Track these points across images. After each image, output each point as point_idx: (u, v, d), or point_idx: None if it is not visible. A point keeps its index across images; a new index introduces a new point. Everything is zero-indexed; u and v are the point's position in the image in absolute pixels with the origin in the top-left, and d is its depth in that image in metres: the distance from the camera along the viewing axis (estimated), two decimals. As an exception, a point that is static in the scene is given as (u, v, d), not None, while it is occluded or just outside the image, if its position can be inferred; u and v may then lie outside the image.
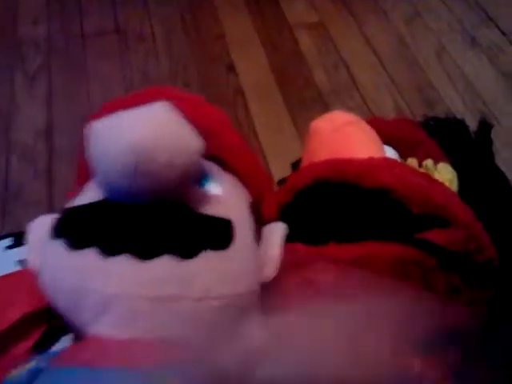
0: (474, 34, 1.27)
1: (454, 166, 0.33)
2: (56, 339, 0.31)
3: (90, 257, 0.26)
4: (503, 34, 1.25)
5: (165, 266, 0.26)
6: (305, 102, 1.15)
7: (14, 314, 0.26)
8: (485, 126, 0.35)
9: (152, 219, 0.27)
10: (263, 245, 0.30)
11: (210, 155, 0.32)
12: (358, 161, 0.29)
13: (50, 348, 0.31)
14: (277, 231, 0.31)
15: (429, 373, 0.23)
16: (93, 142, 0.26)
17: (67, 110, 1.11)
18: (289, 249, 0.29)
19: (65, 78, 1.15)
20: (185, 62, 1.20)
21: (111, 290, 0.25)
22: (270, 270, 0.29)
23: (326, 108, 1.14)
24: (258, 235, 0.31)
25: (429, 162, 0.32)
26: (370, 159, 0.29)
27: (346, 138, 0.31)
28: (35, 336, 0.30)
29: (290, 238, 0.30)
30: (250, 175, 0.33)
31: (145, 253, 0.26)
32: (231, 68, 1.21)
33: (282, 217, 0.32)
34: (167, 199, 0.27)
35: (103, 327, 0.26)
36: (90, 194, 0.29)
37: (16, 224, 0.88)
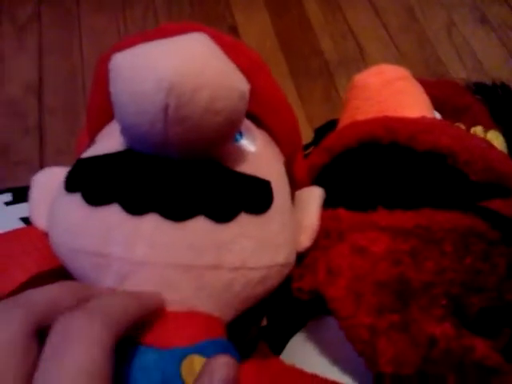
0: (485, 10, 1.24)
1: (505, 135, 0.30)
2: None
3: (112, 215, 0.22)
4: (514, 11, 1.22)
5: (200, 229, 0.22)
6: (310, 71, 1.11)
7: (21, 276, 0.22)
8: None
9: (184, 175, 0.22)
10: (298, 211, 0.27)
11: None
12: (411, 119, 0.26)
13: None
14: (314, 196, 0.27)
15: (490, 353, 0.21)
16: (112, 78, 0.21)
17: (59, 64, 1.05)
18: (329, 215, 0.26)
19: (57, 30, 1.09)
20: (185, 20, 1.15)
21: (137, 256, 0.21)
22: (306, 240, 0.26)
23: (331, 79, 1.11)
24: (292, 200, 0.28)
25: (478, 129, 0.29)
26: (424, 118, 0.26)
27: (396, 93, 0.27)
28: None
29: (328, 204, 0.27)
30: (284, 131, 0.29)
31: (176, 213, 0.22)
32: (234, 30, 1.16)
33: (316, 181, 0.29)
34: (205, 153, 0.23)
35: None
36: (109, 143, 0.25)
37: (3, 183, 0.84)
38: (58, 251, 0.23)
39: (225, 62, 0.22)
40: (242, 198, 0.23)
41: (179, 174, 0.22)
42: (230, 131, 0.22)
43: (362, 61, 1.13)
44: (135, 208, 0.22)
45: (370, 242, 0.23)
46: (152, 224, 0.21)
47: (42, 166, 0.86)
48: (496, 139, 0.29)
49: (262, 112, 0.28)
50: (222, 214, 0.22)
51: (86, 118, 0.30)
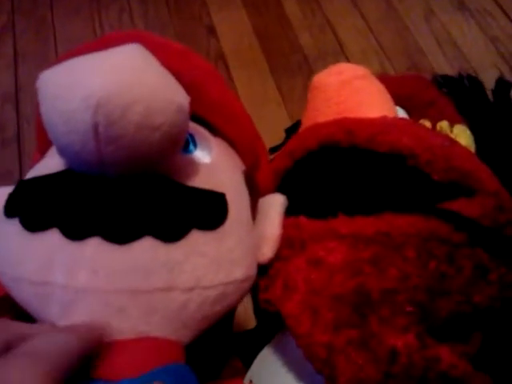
0: (463, -3, 1.24)
1: (471, 128, 0.29)
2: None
3: (52, 241, 0.21)
4: (492, -3, 1.22)
5: (147, 250, 0.20)
6: (290, 67, 1.10)
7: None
8: (503, 84, 0.31)
9: (127, 193, 0.21)
10: (260, 220, 0.26)
11: (194, 117, 0.27)
12: (370, 120, 0.25)
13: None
14: (275, 204, 0.26)
15: (457, 362, 0.20)
16: (41, 97, 0.20)
17: (35, 73, 1.03)
18: (291, 224, 0.25)
19: (31, 39, 1.08)
20: (162, 23, 1.14)
21: (80, 283, 0.20)
22: (268, 251, 0.25)
23: (311, 73, 1.10)
24: (254, 208, 0.27)
25: (444, 124, 0.28)
26: (384, 118, 0.25)
27: (354, 93, 0.26)
28: None
29: (290, 211, 0.26)
30: (242, 139, 0.27)
31: (119, 235, 0.20)
32: (212, 30, 1.15)
33: (279, 187, 0.28)
34: (146, 170, 0.21)
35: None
36: (50, 163, 0.23)
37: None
38: (1, 280, 0.22)
39: (161, 74, 0.20)
40: (193, 214, 0.22)
41: (122, 192, 0.21)
42: (170, 146, 0.21)
43: (342, 54, 1.12)
44: (76, 232, 0.20)
45: (328, 252, 0.22)
46: (94, 248, 0.20)
47: (22, 178, 0.85)
48: (462, 133, 0.28)
49: (217, 121, 0.27)
50: (171, 233, 0.21)
51: (36, 134, 0.29)
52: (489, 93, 0.37)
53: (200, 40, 1.10)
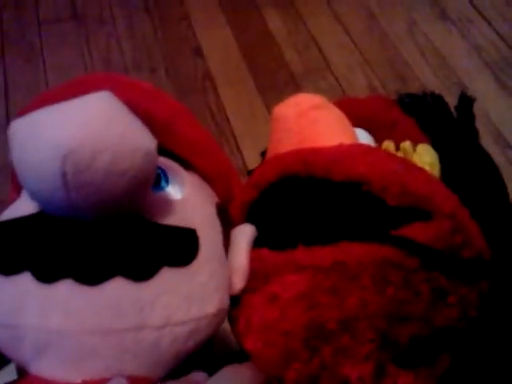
0: (444, 6, 1.26)
1: (435, 146, 0.30)
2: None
3: (23, 284, 0.21)
4: (472, 5, 1.24)
5: (118, 291, 0.21)
6: (277, 84, 1.12)
7: None
8: (466, 101, 0.32)
9: (98, 234, 0.22)
10: (230, 251, 0.27)
11: (167, 152, 0.28)
12: (326, 150, 0.25)
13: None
14: (243, 235, 0.27)
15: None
16: (11, 146, 0.21)
17: (26, 101, 1.05)
18: (254, 256, 0.26)
19: (22, 69, 1.09)
20: (149, 46, 1.15)
21: (53, 326, 0.21)
22: (239, 282, 0.26)
23: (298, 90, 1.11)
24: (228, 240, 0.27)
25: (406, 144, 0.29)
26: (340, 147, 0.26)
27: (312, 124, 0.27)
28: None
29: (257, 243, 0.26)
30: (214, 172, 0.29)
31: (90, 276, 0.21)
32: (198, 51, 1.17)
33: (247, 218, 0.29)
34: (116, 212, 0.22)
35: (47, 367, 0.22)
36: (23, 205, 0.24)
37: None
38: None
39: (128, 121, 0.21)
40: (163, 252, 0.23)
41: (93, 234, 0.22)
42: (138, 190, 0.22)
43: (328, 69, 1.13)
44: (47, 275, 0.21)
45: (284, 287, 0.23)
46: (66, 291, 0.21)
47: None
48: (426, 152, 0.29)
49: (189, 156, 0.28)
50: (141, 272, 0.22)
51: (11, 173, 0.30)
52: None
53: (187, 60, 1.12)
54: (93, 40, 1.13)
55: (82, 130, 0.19)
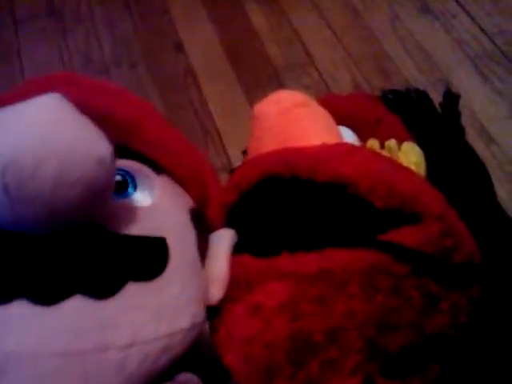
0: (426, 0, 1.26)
1: (420, 144, 0.29)
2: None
3: None
4: (454, -2, 1.24)
5: (77, 310, 0.20)
6: (260, 80, 1.10)
7: None
8: (451, 97, 0.31)
9: (54, 248, 0.20)
10: (208, 259, 0.25)
11: (136, 154, 0.26)
12: (309, 150, 0.24)
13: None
14: (223, 240, 0.26)
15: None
16: None
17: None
18: (236, 263, 0.24)
19: (-2, 69, 1.06)
20: (129, 41, 1.13)
21: (7, 348, 0.19)
22: (217, 292, 0.24)
23: (281, 86, 1.10)
24: (205, 247, 0.26)
25: (392, 143, 0.28)
26: (324, 147, 0.24)
27: (294, 122, 0.26)
28: None
29: (237, 248, 0.25)
30: (187, 173, 0.27)
31: (46, 296, 0.19)
32: (179, 46, 1.15)
33: (227, 222, 0.27)
34: (70, 225, 0.20)
35: None
36: None
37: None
38: None
39: (78, 126, 0.19)
40: (128, 266, 0.21)
41: (49, 248, 0.20)
42: (93, 201, 0.20)
43: (311, 64, 1.12)
44: (0, 295, 0.19)
45: (267, 297, 0.21)
46: (20, 310, 0.19)
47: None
48: (411, 151, 0.28)
49: (158, 158, 0.26)
50: (102, 289, 0.20)
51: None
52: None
53: (168, 56, 1.09)
54: (71, 37, 1.10)
55: (22, 137, 0.17)
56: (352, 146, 0.26)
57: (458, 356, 0.23)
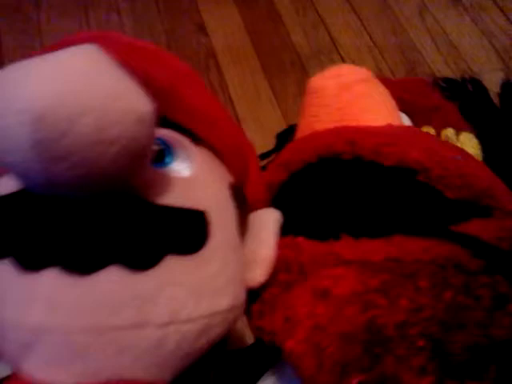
0: (457, -9, 1.22)
1: (478, 136, 0.27)
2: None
3: (5, 273, 0.18)
4: (485, -9, 1.21)
5: (113, 282, 0.18)
6: (283, 65, 1.08)
7: None
8: (509, 87, 0.29)
9: (90, 215, 0.18)
10: (251, 239, 0.23)
11: (173, 123, 0.24)
12: (375, 129, 0.22)
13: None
14: (269, 221, 0.24)
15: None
16: None
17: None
18: (288, 244, 0.22)
19: (17, 39, 1.04)
20: (150, 20, 1.11)
21: (34, 322, 0.17)
22: (261, 274, 0.22)
23: (304, 72, 1.08)
24: (243, 226, 0.24)
25: (449, 132, 0.26)
26: (390, 128, 0.22)
27: (357, 98, 0.24)
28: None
29: (286, 229, 0.23)
30: (226, 147, 0.24)
31: (81, 265, 0.18)
32: (201, 28, 1.12)
33: (273, 201, 0.25)
34: (108, 189, 0.18)
35: (34, 367, 0.18)
36: (5, 182, 0.20)
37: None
38: None
39: (117, 80, 0.17)
40: (167, 238, 0.19)
41: (85, 215, 0.18)
42: (131, 163, 0.18)
43: (335, 51, 1.10)
44: (31, 262, 0.18)
45: (334, 282, 0.19)
46: (51, 281, 0.17)
47: None
48: (469, 142, 0.26)
49: (197, 127, 0.23)
50: (141, 261, 0.18)
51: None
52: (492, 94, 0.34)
53: (190, 38, 1.07)
54: (92, 13, 1.09)
55: (56, 88, 0.15)
56: (420, 131, 0.24)
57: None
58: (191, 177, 0.22)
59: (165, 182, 0.21)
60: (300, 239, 0.22)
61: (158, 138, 0.22)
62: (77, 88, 0.16)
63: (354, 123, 0.23)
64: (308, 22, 1.14)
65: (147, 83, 0.18)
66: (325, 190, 0.23)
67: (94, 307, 0.18)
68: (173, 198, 0.20)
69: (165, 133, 0.23)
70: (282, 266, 0.22)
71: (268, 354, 0.25)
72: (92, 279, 0.18)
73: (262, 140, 0.73)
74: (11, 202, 0.19)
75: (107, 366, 0.18)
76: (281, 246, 0.22)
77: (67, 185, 0.17)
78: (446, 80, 0.31)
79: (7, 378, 0.20)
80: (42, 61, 0.16)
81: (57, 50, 0.18)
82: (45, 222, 0.18)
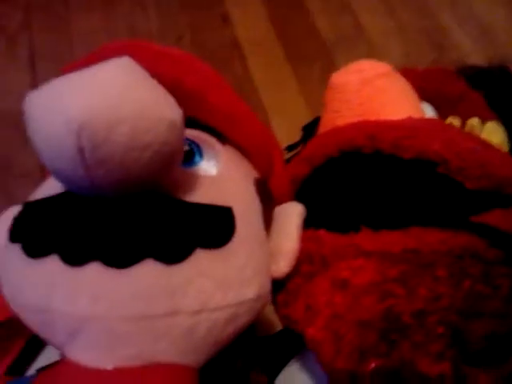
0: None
1: (504, 124, 0.27)
2: (37, 352, 0.27)
3: (52, 267, 0.20)
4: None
5: (148, 274, 0.20)
6: (307, 53, 1.07)
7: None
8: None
9: (126, 214, 0.20)
10: (276, 231, 0.25)
11: (201, 125, 0.26)
12: (394, 123, 0.23)
13: (31, 364, 0.26)
14: (292, 215, 0.25)
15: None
16: (27, 119, 0.19)
17: (52, 71, 1.04)
18: (310, 237, 0.23)
19: (47, 36, 1.08)
20: (175, 12, 1.12)
21: (80, 311, 0.20)
22: (285, 265, 0.24)
23: (330, 60, 1.07)
24: (268, 219, 0.25)
25: (475, 121, 0.26)
26: (410, 121, 0.23)
27: (378, 93, 0.24)
28: (15, 351, 0.26)
29: (308, 222, 0.24)
30: (252, 145, 0.26)
31: (119, 259, 0.20)
32: (226, 18, 1.13)
33: (296, 195, 0.26)
34: (143, 189, 0.21)
35: (79, 352, 0.20)
36: (50, 185, 0.23)
37: (8, 197, 0.83)
38: (9, 305, 0.22)
39: (149, 90, 0.19)
40: (196, 233, 0.21)
41: (122, 213, 0.20)
42: (163, 165, 0.20)
43: (361, 37, 1.08)
44: (74, 258, 0.20)
45: (353, 272, 0.20)
46: (94, 274, 0.20)
47: (43, 178, 0.85)
48: (495, 131, 0.26)
49: (224, 127, 0.26)
50: (173, 255, 0.20)
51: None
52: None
53: (214, 28, 1.08)
54: (118, 6, 1.11)
55: (96, 101, 0.17)
56: (440, 122, 0.25)
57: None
58: (218, 175, 0.24)
59: (193, 180, 0.23)
60: (321, 232, 0.23)
61: (187, 139, 0.25)
62: (113, 101, 0.18)
63: (375, 117, 0.24)
64: (332, 7, 1.13)
65: (176, 88, 0.20)
66: (346, 184, 0.24)
67: (131, 298, 0.20)
68: (201, 196, 0.22)
69: (193, 133, 0.25)
70: (305, 258, 0.23)
71: (294, 341, 0.27)
72: (129, 272, 0.20)
73: (287, 130, 0.74)
74: (56, 203, 0.21)
75: (145, 350, 0.20)
76: (303, 239, 0.24)
77: (107, 187, 0.19)
78: (472, 68, 0.31)
79: (56, 362, 0.22)
80: (82, 75, 0.19)
81: (93, 61, 0.20)
82: (86, 221, 0.20)
